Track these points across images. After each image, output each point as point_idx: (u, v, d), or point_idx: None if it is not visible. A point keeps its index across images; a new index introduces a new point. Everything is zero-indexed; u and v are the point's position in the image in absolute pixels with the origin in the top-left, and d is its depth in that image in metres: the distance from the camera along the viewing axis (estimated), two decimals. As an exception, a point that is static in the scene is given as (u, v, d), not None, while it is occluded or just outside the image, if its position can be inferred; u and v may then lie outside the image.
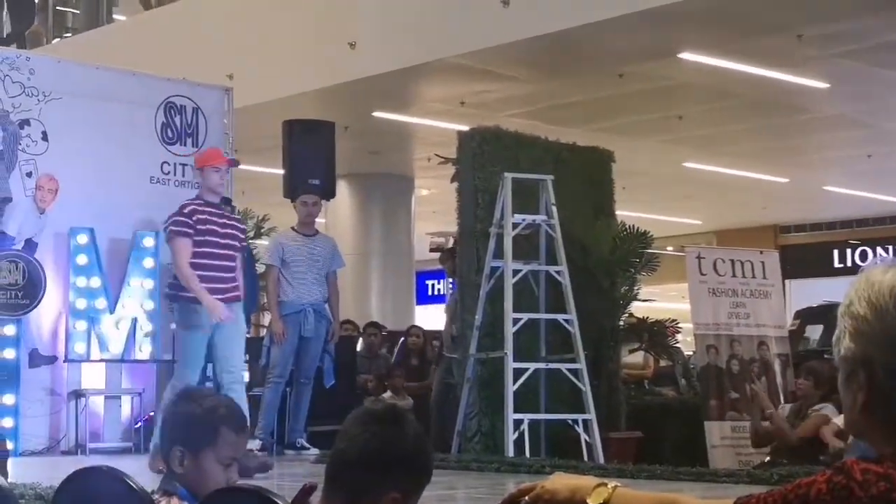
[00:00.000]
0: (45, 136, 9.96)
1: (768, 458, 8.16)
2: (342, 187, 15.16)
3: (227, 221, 8.04)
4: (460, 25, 11.84)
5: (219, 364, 7.85)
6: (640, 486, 1.89)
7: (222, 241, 7.89)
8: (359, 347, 12.47)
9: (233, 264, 7.98)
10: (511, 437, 8.19)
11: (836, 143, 16.74)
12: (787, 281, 13.45)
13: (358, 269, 16.41)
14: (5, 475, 3.18)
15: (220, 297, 7.69)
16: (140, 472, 2.82)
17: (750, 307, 9.75)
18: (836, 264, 23.48)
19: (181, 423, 2.92)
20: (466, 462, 7.72)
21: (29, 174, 9.88)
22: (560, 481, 2.00)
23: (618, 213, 10.33)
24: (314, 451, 9.07)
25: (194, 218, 7.75)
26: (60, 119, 10.01)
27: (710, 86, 13.34)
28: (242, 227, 8.40)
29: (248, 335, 10.72)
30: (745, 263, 9.88)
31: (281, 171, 11.45)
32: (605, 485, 1.94)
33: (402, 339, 12.67)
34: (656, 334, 9.97)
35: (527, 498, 2.02)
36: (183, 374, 7.76)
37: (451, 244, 11.73)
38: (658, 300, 11.84)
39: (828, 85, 13.45)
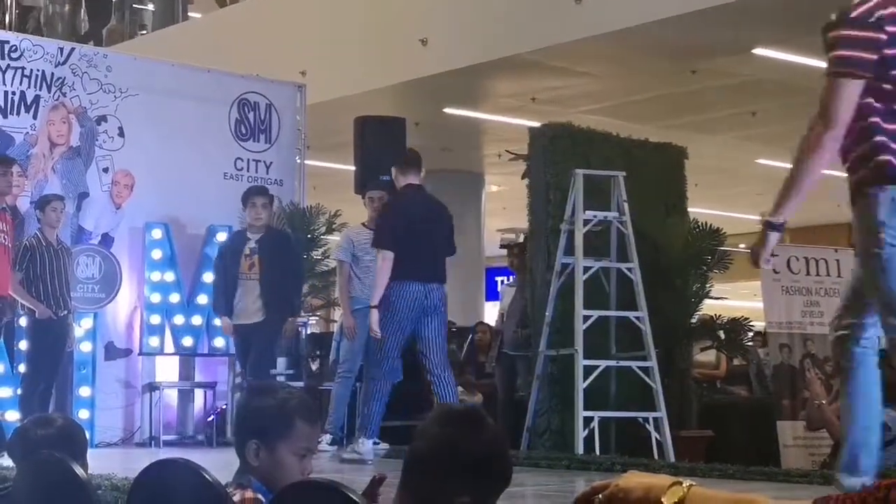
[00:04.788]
0: (121, 132, 10.11)
1: (827, 458, 8.07)
2: (413, 183, 15.17)
3: None
4: (532, 22, 11.81)
5: None
6: (711, 486, 1.87)
7: None
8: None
9: None
10: (581, 434, 8.15)
11: (913, 139, 16.45)
12: (862, 280, 13.22)
13: (428, 265, 16.39)
14: (85, 467, 3.23)
15: None
16: (213, 464, 2.85)
17: (824, 306, 9.60)
18: (913, 263, 23.09)
19: (255, 416, 2.95)
20: (536, 459, 7.68)
21: (105, 170, 10.04)
22: (634, 479, 1.98)
23: (690, 209, 10.23)
24: (383, 445, 9.09)
25: None
26: (136, 115, 10.15)
27: (784, 81, 13.17)
28: None
29: (318, 331, 10.80)
30: (819, 261, 9.75)
31: (352, 167, 11.50)
32: (680, 483, 1.93)
33: (470, 335, 12.68)
34: (730, 333, 9.86)
35: (600, 496, 2.00)
36: None
37: (521, 240, 11.70)
38: (729, 298, 11.70)
39: (904, 80, 13.22)
